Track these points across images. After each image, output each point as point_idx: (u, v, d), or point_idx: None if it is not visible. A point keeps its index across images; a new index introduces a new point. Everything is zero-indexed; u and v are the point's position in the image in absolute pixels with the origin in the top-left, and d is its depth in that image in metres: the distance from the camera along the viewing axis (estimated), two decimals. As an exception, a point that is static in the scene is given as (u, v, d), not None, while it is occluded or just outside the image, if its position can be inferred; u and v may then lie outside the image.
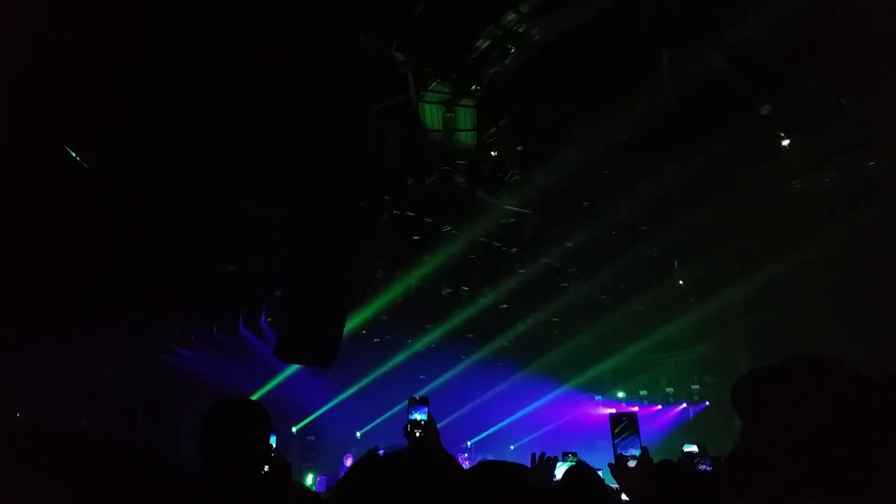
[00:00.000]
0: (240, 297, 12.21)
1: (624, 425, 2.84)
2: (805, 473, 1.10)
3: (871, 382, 1.16)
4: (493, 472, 1.77)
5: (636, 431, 2.83)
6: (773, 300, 11.37)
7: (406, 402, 3.09)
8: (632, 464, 2.75)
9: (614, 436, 2.82)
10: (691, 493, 2.77)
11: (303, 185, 6.73)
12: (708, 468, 5.05)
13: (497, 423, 18.22)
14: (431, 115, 7.42)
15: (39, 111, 5.77)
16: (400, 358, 15.71)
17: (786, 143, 7.62)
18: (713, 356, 15.69)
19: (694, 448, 8.07)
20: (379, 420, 16.28)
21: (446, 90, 7.13)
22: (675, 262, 11.94)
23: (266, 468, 2.27)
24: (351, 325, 10.69)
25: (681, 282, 12.52)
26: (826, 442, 1.09)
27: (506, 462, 1.86)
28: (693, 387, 17.70)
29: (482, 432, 17.84)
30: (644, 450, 2.78)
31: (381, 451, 1.65)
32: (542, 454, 3.47)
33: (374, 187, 8.86)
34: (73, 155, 6.51)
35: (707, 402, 17.58)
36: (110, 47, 5.74)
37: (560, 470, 4.37)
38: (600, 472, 3.52)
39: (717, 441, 11.06)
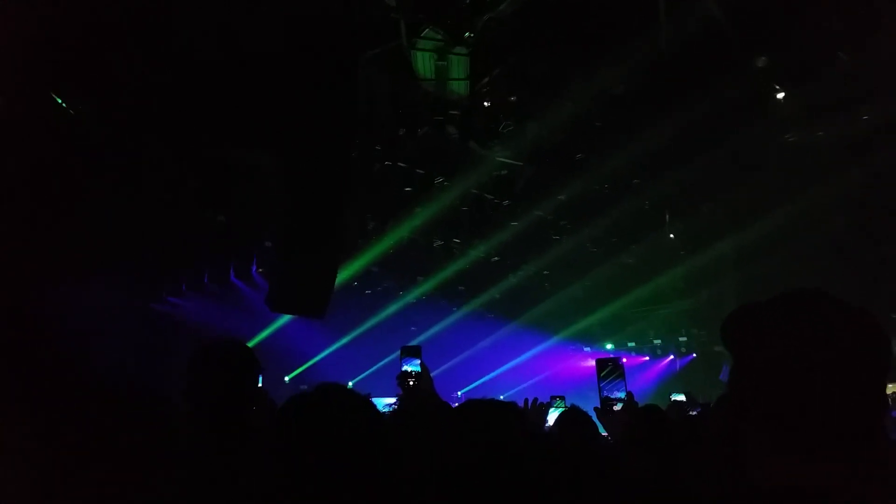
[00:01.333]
0: (231, 246, 12.19)
1: (609, 369, 2.89)
2: (789, 411, 1.10)
3: (862, 314, 1.14)
4: (486, 408, 1.78)
5: (622, 375, 2.88)
6: (762, 254, 11.45)
7: (398, 352, 3.13)
8: (617, 407, 2.81)
9: (600, 379, 2.88)
10: (676, 435, 2.83)
11: (293, 135, 6.65)
12: (694, 413, 5.14)
13: (488, 374, 18.51)
14: (423, 63, 7.29)
15: (25, 59, 5.64)
16: (391, 309, 15.83)
17: (780, 96, 7.56)
18: (701, 309, 15.88)
19: (682, 397, 8.23)
20: (371, 369, 16.48)
21: (439, 37, 7.00)
22: (666, 216, 11.96)
23: (253, 408, 2.28)
24: (343, 276, 10.73)
25: (671, 235, 12.57)
26: (810, 376, 1.09)
27: (496, 400, 1.86)
28: (681, 339, 17.99)
29: (473, 382, 18.11)
30: (629, 394, 2.84)
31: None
32: (535, 399, 3.52)
33: (366, 137, 8.77)
34: (60, 102, 6.39)
35: (694, 355, 17.88)
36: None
37: (552, 416, 4.45)
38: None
39: (704, 393, 11.27)
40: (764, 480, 1.12)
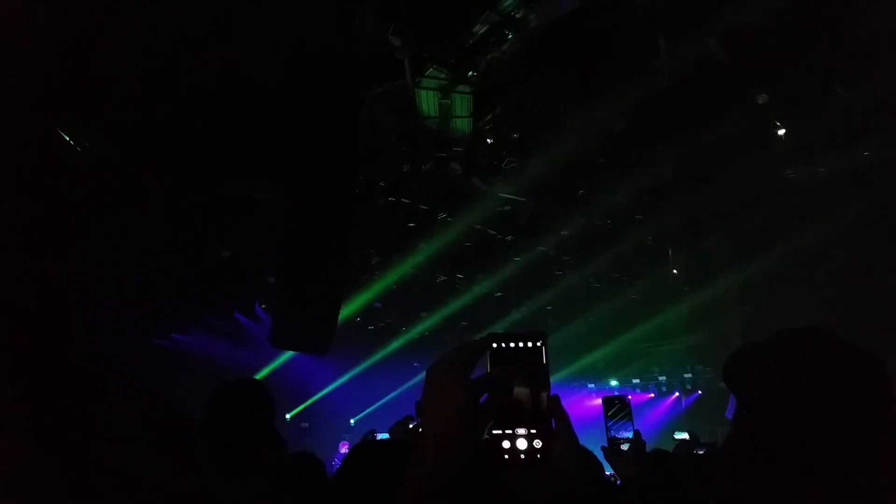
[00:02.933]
0: (234, 282, 12.19)
1: (617, 408, 2.85)
2: (792, 448, 1.10)
3: (863, 351, 1.15)
4: None
5: (629, 414, 2.84)
6: (766, 290, 11.42)
7: (402, 388, 3.09)
8: (625, 447, 2.76)
9: (607, 418, 2.84)
10: (682, 476, 2.79)
11: (298, 171, 6.70)
12: (701, 452, 5.07)
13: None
14: (427, 101, 7.39)
15: (32, 95, 5.72)
16: (394, 345, 15.75)
17: (781, 132, 7.62)
18: (706, 345, 15.77)
19: (685, 436, 8.12)
20: (373, 407, 16.33)
21: (443, 76, 7.11)
22: (669, 251, 11.96)
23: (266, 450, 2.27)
24: (345, 312, 10.70)
25: (675, 270, 12.55)
26: (812, 414, 1.09)
27: None
28: (686, 375, 17.83)
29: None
30: (636, 432, 2.80)
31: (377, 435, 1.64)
32: None
33: (370, 174, 8.83)
34: (66, 138, 6.46)
35: (700, 392, 17.70)
36: (101, 30, 5.69)
37: None
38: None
39: (711, 430, 11.14)
40: None
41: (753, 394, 1.18)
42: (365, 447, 2.01)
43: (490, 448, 1.05)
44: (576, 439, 1.18)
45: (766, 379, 1.15)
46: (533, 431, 1.07)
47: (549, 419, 1.09)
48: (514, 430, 1.07)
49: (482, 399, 1.04)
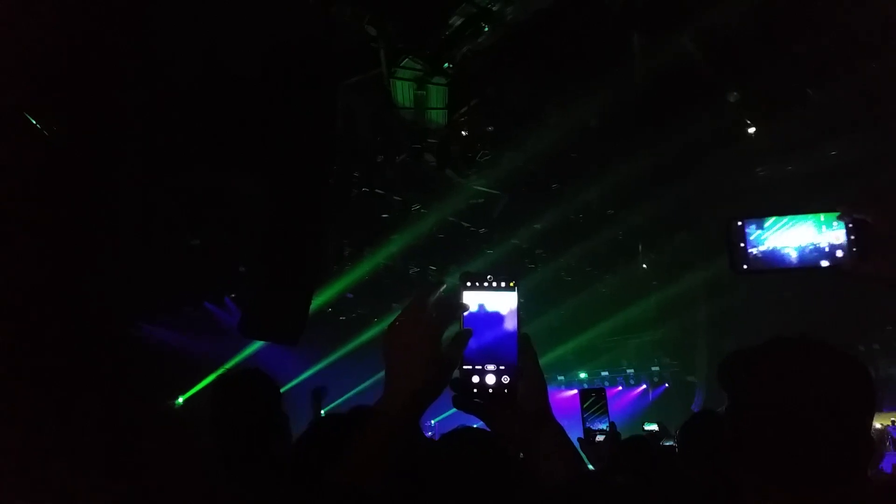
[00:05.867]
0: (204, 271, 12.05)
1: (593, 400, 2.91)
2: (780, 448, 1.15)
3: (849, 358, 1.20)
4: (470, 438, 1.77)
5: (605, 407, 2.90)
6: (732, 286, 11.62)
7: (372, 380, 3.09)
8: (600, 438, 2.82)
9: (584, 410, 2.89)
10: (657, 467, 2.84)
11: (270, 160, 6.63)
12: (673, 444, 5.14)
13: (461, 403, 18.35)
14: (403, 91, 7.36)
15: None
16: (366, 336, 15.70)
17: (752, 130, 7.74)
18: (673, 339, 16.03)
19: (654, 427, 8.24)
20: (344, 398, 16.27)
21: (418, 67, 7.08)
22: (640, 247, 12.11)
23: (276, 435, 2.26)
24: (317, 302, 10.64)
25: (644, 266, 12.71)
26: (800, 416, 1.14)
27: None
28: (653, 368, 18.11)
29: (446, 411, 17.97)
30: (612, 424, 2.85)
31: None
32: None
33: (343, 163, 8.78)
34: (34, 122, 6.31)
35: (667, 385, 17.99)
36: (72, 15, 5.56)
37: None
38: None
39: (677, 422, 11.33)
40: None
41: (745, 394, 1.22)
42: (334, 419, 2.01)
43: (460, 384, 1.10)
44: (542, 377, 1.20)
45: (757, 381, 1.20)
46: (502, 368, 1.11)
47: (518, 357, 1.13)
48: (483, 366, 1.11)
49: (450, 340, 1.09)
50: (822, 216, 1.17)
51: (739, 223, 1.22)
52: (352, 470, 1.01)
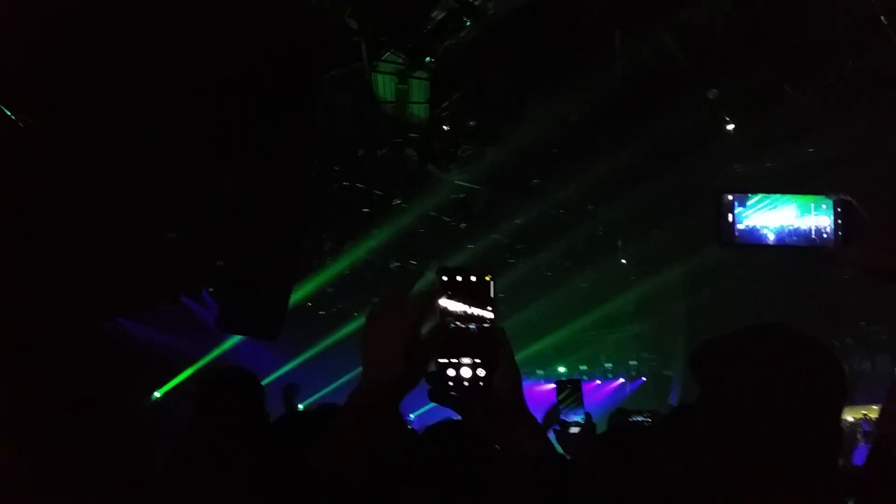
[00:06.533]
0: (181, 265, 11.93)
1: (568, 392, 2.91)
2: (754, 436, 1.15)
3: (821, 346, 1.21)
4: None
5: (580, 399, 2.90)
6: (711, 281, 11.75)
7: (351, 375, 3.07)
8: (574, 430, 2.82)
9: (559, 402, 2.89)
10: (633, 456, 2.85)
11: (250, 153, 6.58)
12: (641, 419, 5.10)
13: (440, 397, 18.37)
14: (384, 85, 7.32)
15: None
16: (346, 331, 15.65)
17: (730, 127, 7.81)
18: (651, 334, 16.17)
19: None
20: (322, 392, 16.21)
21: (400, 61, 7.05)
22: (619, 242, 12.19)
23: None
24: (296, 296, 10.58)
25: (623, 261, 12.80)
26: (773, 404, 1.14)
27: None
28: (631, 363, 18.28)
29: (427, 404, 17.96)
30: (587, 416, 2.86)
31: None
32: None
33: (324, 157, 8.72)
34: (9, 114, 6.19)
35: (644, 379, 18.17)
36: (45, 7, 5.46)
37: None
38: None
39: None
40: (728, 501, 1.17)
41: (717, 383, 1.21)
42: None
43: (435, 378, 1.10)
44: (517, 371, 1.20)
45: (730, 370, 1.19)
46: (477, 361, 1.11)
47: (494, 351, 1.13)
48: (459, 360, 1.11)
49: (426, 333, 1.10)
50: (811, 198, 1.22)
51: (730, 197, 1.24)
52: (330, 457, 1.01)
